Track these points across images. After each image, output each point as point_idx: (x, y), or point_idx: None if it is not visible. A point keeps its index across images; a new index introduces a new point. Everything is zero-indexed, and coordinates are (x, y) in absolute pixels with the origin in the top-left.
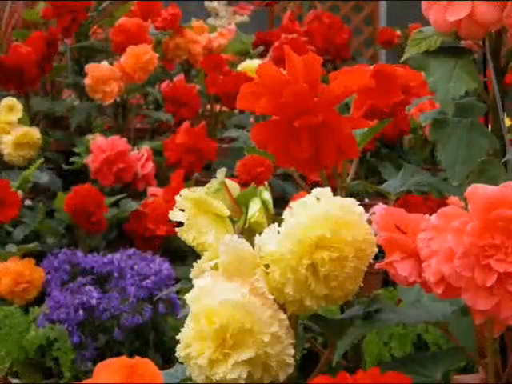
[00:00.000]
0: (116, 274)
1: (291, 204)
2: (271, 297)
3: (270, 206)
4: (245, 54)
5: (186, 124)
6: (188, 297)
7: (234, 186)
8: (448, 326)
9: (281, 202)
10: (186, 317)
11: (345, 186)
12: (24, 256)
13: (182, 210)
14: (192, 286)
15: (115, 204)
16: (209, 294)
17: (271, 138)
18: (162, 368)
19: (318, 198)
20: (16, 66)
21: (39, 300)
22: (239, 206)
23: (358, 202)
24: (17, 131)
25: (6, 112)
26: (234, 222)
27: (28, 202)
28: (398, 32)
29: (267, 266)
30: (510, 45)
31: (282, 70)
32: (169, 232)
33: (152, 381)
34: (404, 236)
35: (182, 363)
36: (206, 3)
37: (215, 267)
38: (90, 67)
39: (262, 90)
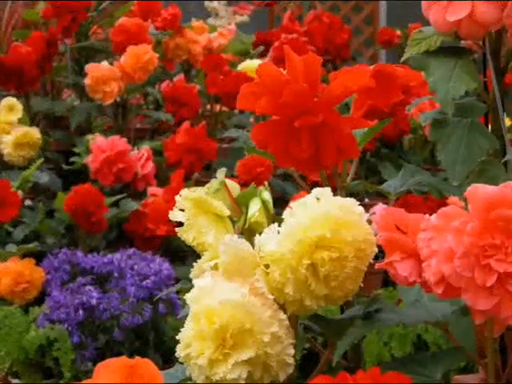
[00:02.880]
0: (116, 274)
1: (291, 204)
2: (271, 297)
3: (270, 205)
4: (245, 54)
5: (185, 124)
6: (188, 297)
7: (234, 186)
8: (448, 326)
9: (281, 202)
10: (186, 317)
11: (345, 186)
12: (24, 256)
13: (182, 210)
14: (192, 286)
15: (115, 204)
16: (209, 294)
17: (271, 137)
18: (162, 368)
19: (318, 198)
20: (16, 66)
21: (39, 300)
22: (239, 205)
23: (358, 202)
24: (17, 131)
25: (6, 112)
26: (234, 222)
27: (28, 202)
28: (398, 32)
29: (267, 266)
30: (510, 45)
31: (281, 69)
32: (169, 232)
33: (152, 381)
34: (404, 236)
35: (182, 363)
36: (206, 3)
37: (215, 267)
38: (89, 67)
39: (262, 90)
